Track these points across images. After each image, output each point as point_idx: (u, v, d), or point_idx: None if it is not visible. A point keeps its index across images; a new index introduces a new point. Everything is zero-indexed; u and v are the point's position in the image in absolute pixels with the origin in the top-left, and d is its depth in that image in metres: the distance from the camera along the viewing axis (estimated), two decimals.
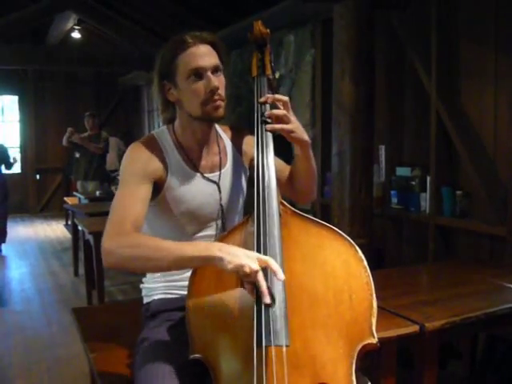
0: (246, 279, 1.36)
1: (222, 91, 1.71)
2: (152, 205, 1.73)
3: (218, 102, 1.70)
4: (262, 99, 1.72)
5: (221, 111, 1.72)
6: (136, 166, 1.71)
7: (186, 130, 1.80)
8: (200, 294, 1.53)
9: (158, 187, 1.74)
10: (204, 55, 1.69)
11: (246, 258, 1.35)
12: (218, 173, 1.83)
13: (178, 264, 1.50)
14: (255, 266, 1.33)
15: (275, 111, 1.66)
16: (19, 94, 11.37)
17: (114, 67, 9.91)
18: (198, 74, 1.68)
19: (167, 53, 1.73)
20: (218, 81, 1.70)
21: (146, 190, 1.68)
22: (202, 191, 1.79)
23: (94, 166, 7.63)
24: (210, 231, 1.82)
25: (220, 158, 1.85)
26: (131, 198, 1.65)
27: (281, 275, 1.35)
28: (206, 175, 1.81)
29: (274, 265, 1.36)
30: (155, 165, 1.73)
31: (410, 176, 4.33)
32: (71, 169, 8.48)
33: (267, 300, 1.32)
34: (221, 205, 1.81)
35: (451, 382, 3.28)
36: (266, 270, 1.37)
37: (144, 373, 1.56)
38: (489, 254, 3.67)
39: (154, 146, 1.77)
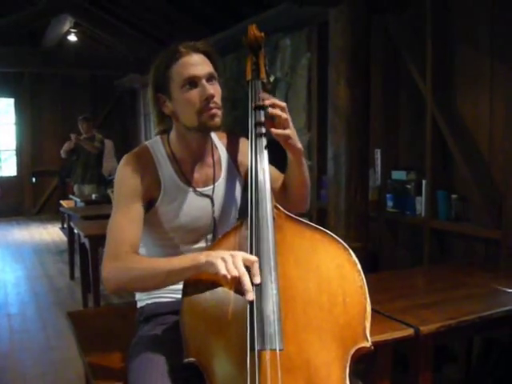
0: (224, 282, 1.40)
1: (218, 99, 1.70)
2: (145, 218, 1.73)
3: (214, 111, 1.68)
4: (261, 101, 1.71)
5: (217, 120, 1.70)
6: (128, 185, 1.71)
7: (181, 141, 1.78)
8: (194, 297, 1.53)
9: (150, 202, 1.74)
10: (197, 64, 1.68)
11: (229, 258, 1.39)
12: (211, 186, 1.82)
13: (171, 278, 1.54)
14: (234, 271, 1.37)
15: (280, 112, 1.64)
16: (15, 96, 11.36)
17: (110, 70, 9.92)
18: (193, 82, 1.67)
19: (160, 64, 1.72)
20: (213, 89, 1.69)
21: (139, 209, 1.70)
22: (194, 206, 1.78)
23: (90, 169, 7.63)
24: (202, 244, 1.82)
25: (214, 171, 1.84)
26: (126, 220, 1.66)
27: (257, 279, 1.39)
28: (199, 189, 1.80)
29: (255, 268, 1.41)
30: (148, 181, 1.72)
31: (405, 180, 4.34)
32: (68, 172, 8.47)
33: (249, 297, 1.35)
34: (214, 218, 1.81)
35: None
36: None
37: (137, 376, 1.57)
38: (483, 257, 3.68)
39: (146, 159, 1.76)
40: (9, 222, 10.72)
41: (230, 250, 1.46)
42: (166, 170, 1.76)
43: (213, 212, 1.81)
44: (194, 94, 1.67)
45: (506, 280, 2.75)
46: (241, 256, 1.41)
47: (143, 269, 1.55)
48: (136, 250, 1.65)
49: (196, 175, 1.80)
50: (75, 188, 7.85)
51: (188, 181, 1.78)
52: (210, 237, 1.82)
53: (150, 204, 1.73)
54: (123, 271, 1.57)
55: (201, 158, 1.81)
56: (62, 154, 7.70)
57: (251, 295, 1.35)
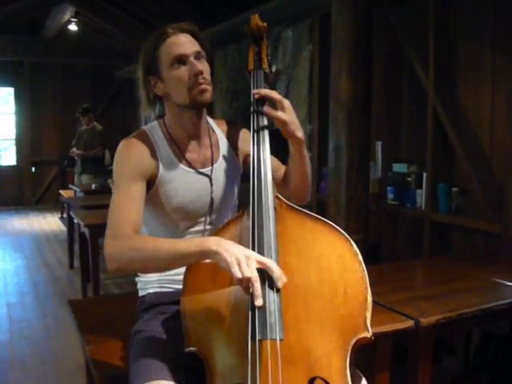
0: (237, 283, 1.34)
1: (207, 75, 1.71)
2: (145, 199, 1.72)
3: (204, 86, 1.69)
4: (255, 91, 1.73)
5: (207, 95, 1.71)
6: (128, 165, 1.71)
7: (176, 121, 1.79)
8: (195, 287, 1.53)
9: (150, 183, 1.74)
10: (185, 43, 1.71)
11: (243, 259, 1.34)
12: (209, 167, 1.82)
13: (176, 262, 1.51)
14: (248, 273, 1.32)
15: (270, 92, 1.68)
16: (15, 85, 11.33)
17: (110, 60, 9.89)
18: (181, 61, 1.69)
19: (149, 46, 1.75)
20: (202, 65, 1.71)
21: (140, 189, 1.68)
22: (193, 185, 1.78)
23: (88, 160, 7.64)
24: (201, 226, 1.82)
25: (212, 152, 1.84)
26: (126, 200, 1.65)
27: (280, 283, 1.36)
28: (197, 169, 1.80)
29: (276, 270, 1.36)
30: (147, 162, 1.72)
31: (406, 172, 4.34)
32: (70, 162, 8.52)
33: (259, 303, 1.32)
34: (212, 198, 1.81)
35: (445, 378, 3.29)
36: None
37: (138, 365, 1.57)
38: (483, 250, 3.68)
39: (144, 142, 1.76)
40: (8, 211, 10.72)
41: (231, 240, 1.45)
42: (164, 151, 1.77)
43: (211, 192, 1.80)
44: (183, 70, 1.69)
45: (506, 273, 2.75)
46: (254, 258, 1.36)
47: (147, 250, 1.51)
48: (138, 229, 1.63)
49: (194, 155, 1.81)
50: (76, 178, 7.88)
51: (186, 161, 1.79)
52: (208, 219, 1.81)
53: (149, 184, 1.73)
54: (126, 251, 1.53)
55: (197, 137, 1.81)
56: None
57: (261, 301, 1.32)
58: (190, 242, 1.48)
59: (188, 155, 1.79)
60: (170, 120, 1.81)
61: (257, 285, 1.32)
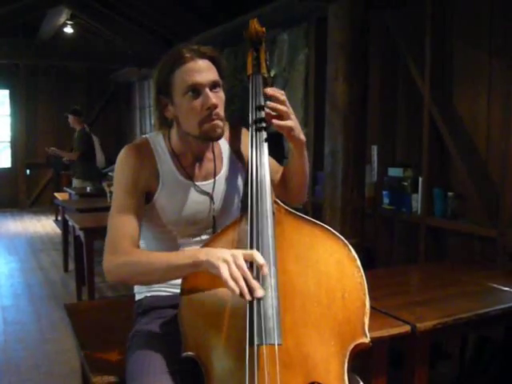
0: (229, 289, 1.35)
1: (220, 110, 1.66)
2: (144, 210, 1.72)
3: (216, 122, 1.65)
4: (262, 97, 1.71)
5: (219, 131, 1.67)
6: (127, 176, 1.69)
7: (182, 143, 1.76)
8: (193, 291, 1.53)
9: (149, 194, 1.73)
10: (202, 71, 1.63)
11: (230, 258, 1.37)
12: (211, 180, 1.80)
13: (170, 274, 1.56)
14: (237, 273, 1.34)
15: (279, 106, 1.63)
16: (10, 88, 11.31)
17: (106, 63, 9.88)
18: (196, 90, 1.62)
19: (164, 68, 1.67)
20: (217, 98, 1.65)
21: (138, 202, 1.69)
22: (194, 201, 1.77)
23: (76, 164, 7.63)
24: (201, 238, 1.80)
25: (215, 165, 1.82)
26: (124, 213, 1.65)
27: (265, 269, 1.36)
28: (198, 184, 1.78)
29: (259, 258, 1.37)
30: (146, 174, 1.71)
31: (401, 177, 4.35)
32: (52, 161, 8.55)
33: (259, 293, 1.33)
34: (213, 216, 1.80)
35: (440, 382, 3.29)
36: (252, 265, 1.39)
37: (135, 369, 1.56)
38: (479, 255, 3.69)
39: (146, 152, 1.74)
40: (3, 213, 10.69)
41: (229, 245, 1.46)
42: (166, 164, 1.75)
43: (212, 210, 1.79)
44: (197, 103, 1.63)
45: (502, 278, 2.76)
46: (241, 254, 1.38)
47: (142, 264, 1.56)
48: (136, 242, 1.65)
49: (196, 170, 1.79)
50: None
51: (188, 175, 1.77)
52: (209, 231, 1.81)
53: (148, 196, 1.72)
54: (123, 265, 1.58)
55: (201, 154, 1.80)
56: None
57: (260, 292, 1.33)
58: (183, 255, 1.53)
59: (190, 170, 1.78)
60: (175, 137, 1.77)
61: (250, 279, 1.34)
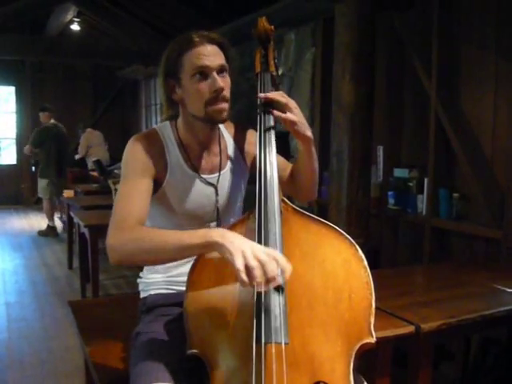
0: (239, 279, 1.30)
1: (226, 92, 1.69)
2: (152, 200, 1.72)
3: (222, 105, 1.68)
4: (261, 95, 1.72)
5: (224, 114, 1.70)
6: (136, 161, 1.70)
7: (188, 129, 1.78)
8: (199, 289, 1.52)
9: (157, 183, 1.73)
10: (210, 55, 1.67)
11: (248, 250, 1.31)
12: (217, 174, 1.82)
13: (179, 254, 1.48)
14: (253, 263, 1.28)
15: (275, 95, 1.67)
16: (16, 85, 11.30)
17: (112, 60, 9.88)
18: (203, 73, 1.66)
19: (173, 51, 1.71)
20: (224, 82, 1.68)
21: (147, 184, 1.68)
22: (199, 193, 1.78)
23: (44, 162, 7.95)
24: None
25: (220, 160, 1.84)
26: (133, 192, 1.64)
27: (288, 273, 1.34)
28: (204, 176, 1.80)
29: (283, 262, 1.33)
30: (156, 161, 1.72)
31: (407, 177, 4.34)
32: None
33: (277, 282, 1.31)
34: (217, 207, 1.81)
35: (443, 383, 3.29)
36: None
37: (139, 367, 1.56)
38: (484, 256, 3.68)
39: (155, 141, 1.76)
40: (8, 210, 10.70)
41: (241, 236, 1.41)
42: (174, 154, 1.77)
43: (216, 201, 1.81)
44: (204, 85, 1.66)
45: (507, 280, 2.75)
46: (260, 250, 1.33)
47: (150, 241, 1.49)
48: (143, 222, 1.61)
49: (203, 162, 1.81)
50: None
51: (194, 167, 1.79)
52: (213, 224, 1.81)
53: (156, 185, 1.73)
54: (129, 242, 1.51)
55: (208, 146, 1.81)
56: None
57: (279, 279, 1.31)
58: (194, 234, 1.45)
59: (196, 162, 1.80)
60: (182, 125, 1.80)
61: (270, 266, 1.29)
